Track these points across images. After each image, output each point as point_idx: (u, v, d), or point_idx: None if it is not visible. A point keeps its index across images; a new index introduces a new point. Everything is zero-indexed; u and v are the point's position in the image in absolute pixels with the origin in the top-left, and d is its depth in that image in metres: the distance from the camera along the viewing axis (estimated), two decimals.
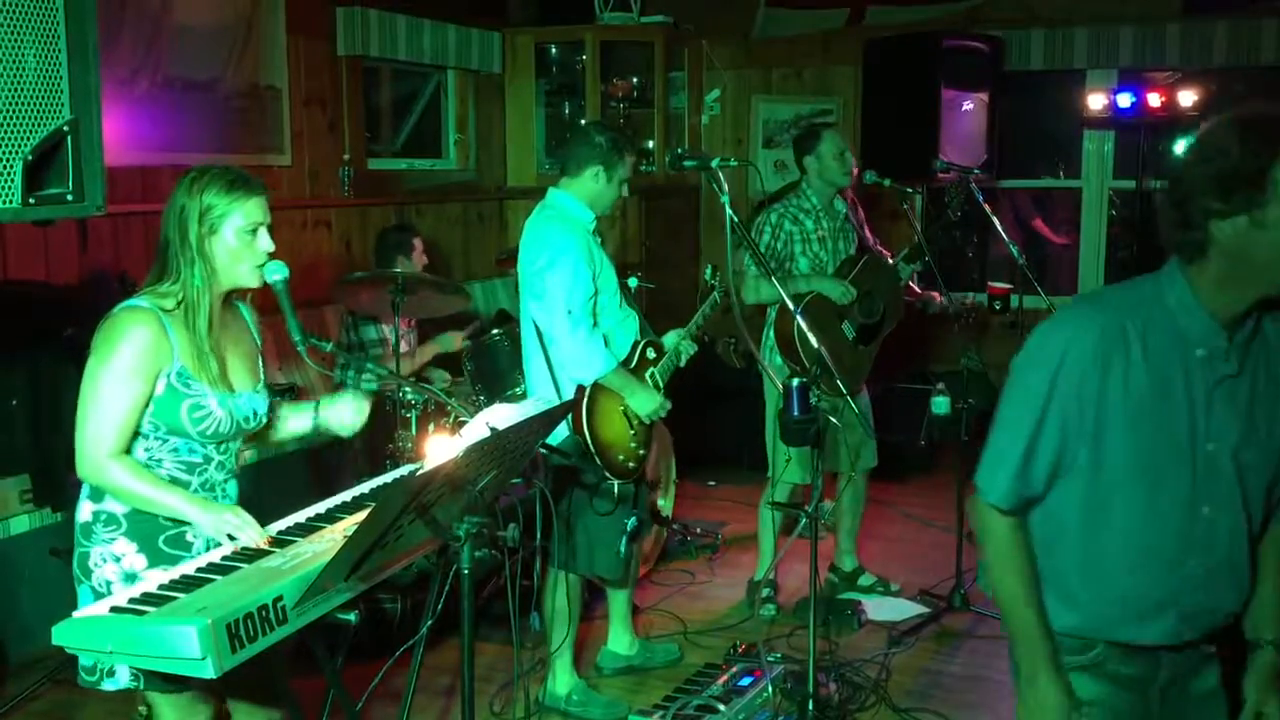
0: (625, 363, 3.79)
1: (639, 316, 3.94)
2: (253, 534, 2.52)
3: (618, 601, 4.23)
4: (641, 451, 3.81)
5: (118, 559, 2.56)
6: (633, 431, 3.77)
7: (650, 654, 4.30)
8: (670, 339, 3.92)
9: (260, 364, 2.77)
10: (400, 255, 5.19)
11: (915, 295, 5.01)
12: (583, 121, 6.72)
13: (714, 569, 5.30)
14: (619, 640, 4.26)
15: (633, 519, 3.84)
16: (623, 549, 3.83)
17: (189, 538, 2.60)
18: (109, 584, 2.54)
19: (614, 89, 7.04)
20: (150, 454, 2.57)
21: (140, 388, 2.49)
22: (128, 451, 2.53)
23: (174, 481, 2.59)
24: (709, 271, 3.95)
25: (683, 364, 3.92)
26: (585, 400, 3.67)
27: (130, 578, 2.53)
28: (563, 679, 3.94)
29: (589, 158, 3.77)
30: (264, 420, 2.74)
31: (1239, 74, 7.10)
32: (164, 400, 2.52)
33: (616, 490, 3.75)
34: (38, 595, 4.20)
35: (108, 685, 2.57)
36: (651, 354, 3.86)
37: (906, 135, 6.46)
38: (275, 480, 4.91)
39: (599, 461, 3.69)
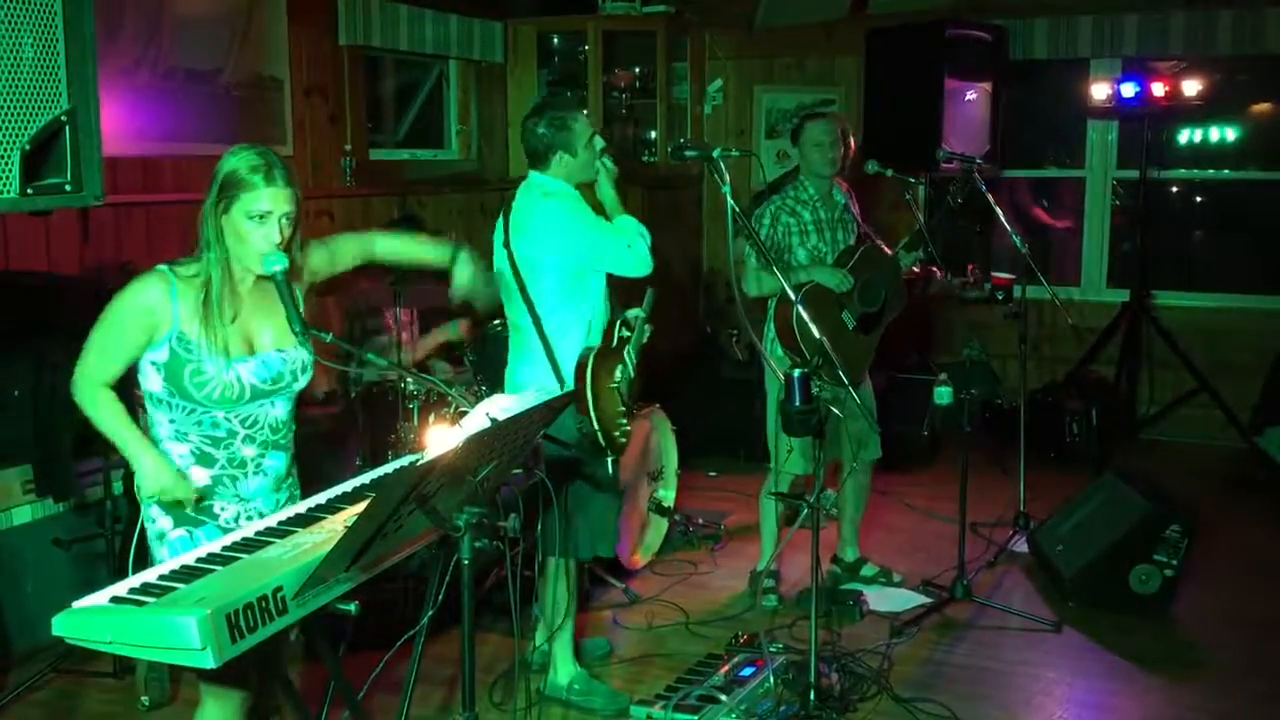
0: (605, 342, 3.79)
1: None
2: (179, 492, 2.63)
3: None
4: (629, 426, 3.84)
5: (153, 520, 2.70)
6: (623, 408, 3.79)
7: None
8: (631, 315, 3.92)
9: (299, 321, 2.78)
10: None
11: (916, 276, 4.99)
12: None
13: (716, 559, 5.30)
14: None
15: (621, 495, 3.87)
16: (614, 527, 3.85)
17: (217, 509, 2.70)
18: (154, 539, 2.72)
19: (616, 79, 7.03)
20: (176, 426, 2.66)
21: (129, 338, 2.60)
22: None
23: (202, 455, 2.68)
24: (647, 301, 3.91)
25: (645, 340, 3.90)
26: (589, 380, 3.68)
27: (160, 537, 2.68)
28: (564, 669, 3.94)
29: (545, 148, 3.73)
30: (297, 381, 2.76)
31: (1243, 63, 7.09)
32: (170, 364, 2.61)
33: (611, 467, 3.77)
34: (40, 585, 4.20)
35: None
36: (625, 332, 3.86)
37: (909, 125, 6.45)
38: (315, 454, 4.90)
39: (603, 441, 3.71)
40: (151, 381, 2.65)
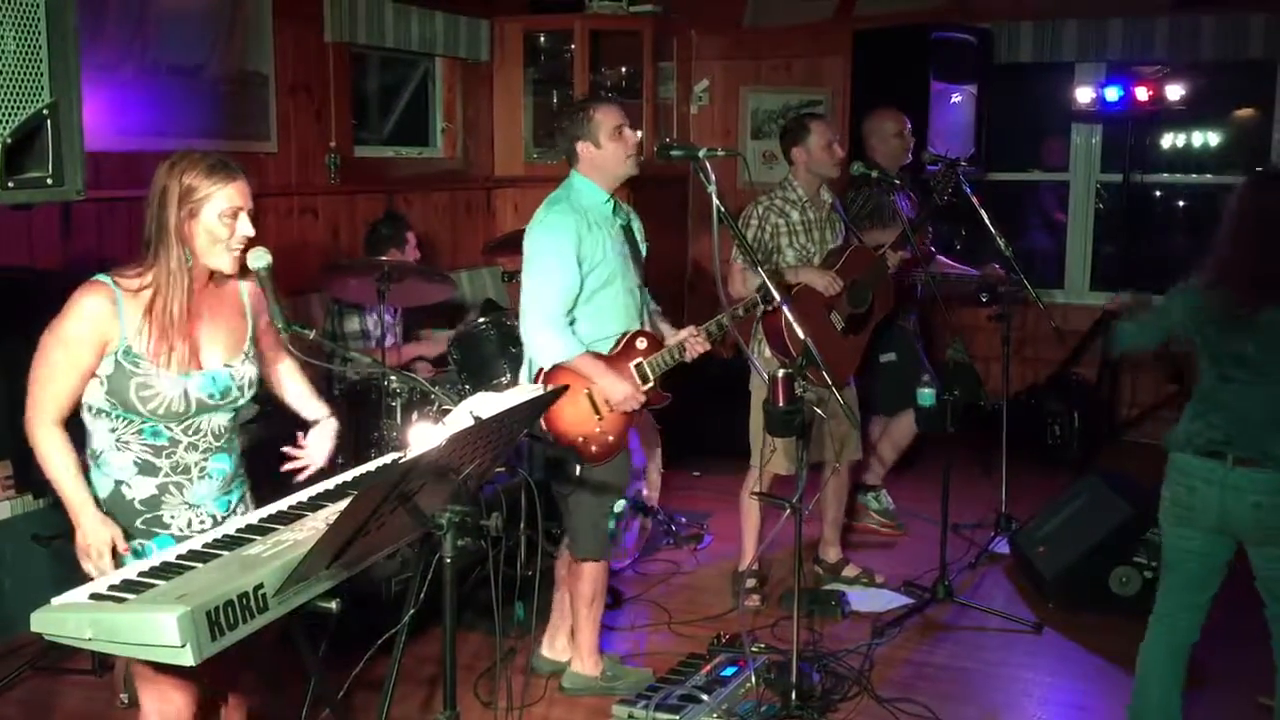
0: (611, 350, 3.77)
1: (646, 308, 3.92)
2: (102, 565, 2.52)
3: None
4: (610, 437, 3.76)
5: None
6: (599, 416, 3.73)
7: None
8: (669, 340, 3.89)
9: (248, 341, 2.75)
10: (393, 248, 5.14)
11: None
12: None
13: (698, 559, 5.30)
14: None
15: (620, 502, 3.83)
16: (608, 531, 3.82)
17: (167, 519, 2.63)
18: None
19: (602, 78, 7.03)
20: (117, 435, 2.59)
21: (82, 356, 2.53)
22: (66, 424, 2.58)
23: (144, 465, 2.60)
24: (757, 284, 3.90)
25: (686, 359, 3.85)
26: (542, 382, 3.66)
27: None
28: (589, 662, 3.95)
29: (569, 138, 3.78)
30: (243, 396, 2.72)
31: (1226, 68, 7.12)
32: (114, 377, 2.55)
33: (578, 471, 3.72)
34: (19, 582, 4.18)
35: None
36: (642, 344, 3.82)
37: None
38: (259, 466, 4.88)
39: (552, 440, 3.68)
40: (91, 393, 2.57)
